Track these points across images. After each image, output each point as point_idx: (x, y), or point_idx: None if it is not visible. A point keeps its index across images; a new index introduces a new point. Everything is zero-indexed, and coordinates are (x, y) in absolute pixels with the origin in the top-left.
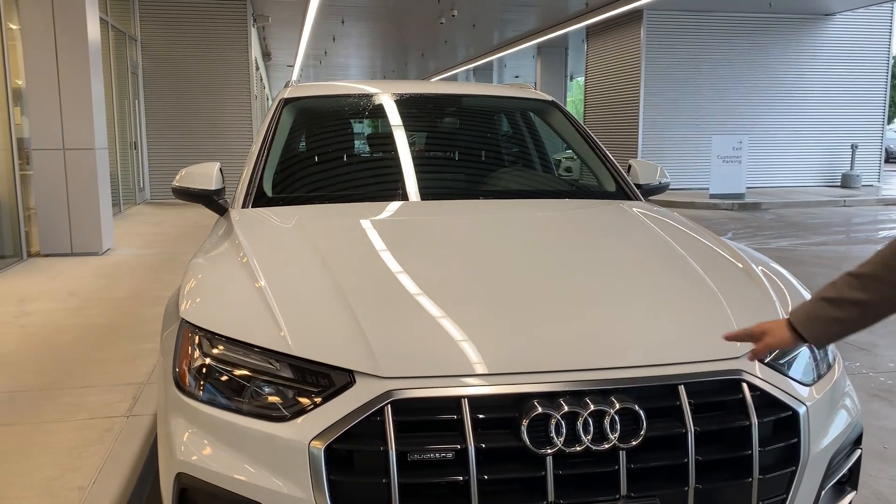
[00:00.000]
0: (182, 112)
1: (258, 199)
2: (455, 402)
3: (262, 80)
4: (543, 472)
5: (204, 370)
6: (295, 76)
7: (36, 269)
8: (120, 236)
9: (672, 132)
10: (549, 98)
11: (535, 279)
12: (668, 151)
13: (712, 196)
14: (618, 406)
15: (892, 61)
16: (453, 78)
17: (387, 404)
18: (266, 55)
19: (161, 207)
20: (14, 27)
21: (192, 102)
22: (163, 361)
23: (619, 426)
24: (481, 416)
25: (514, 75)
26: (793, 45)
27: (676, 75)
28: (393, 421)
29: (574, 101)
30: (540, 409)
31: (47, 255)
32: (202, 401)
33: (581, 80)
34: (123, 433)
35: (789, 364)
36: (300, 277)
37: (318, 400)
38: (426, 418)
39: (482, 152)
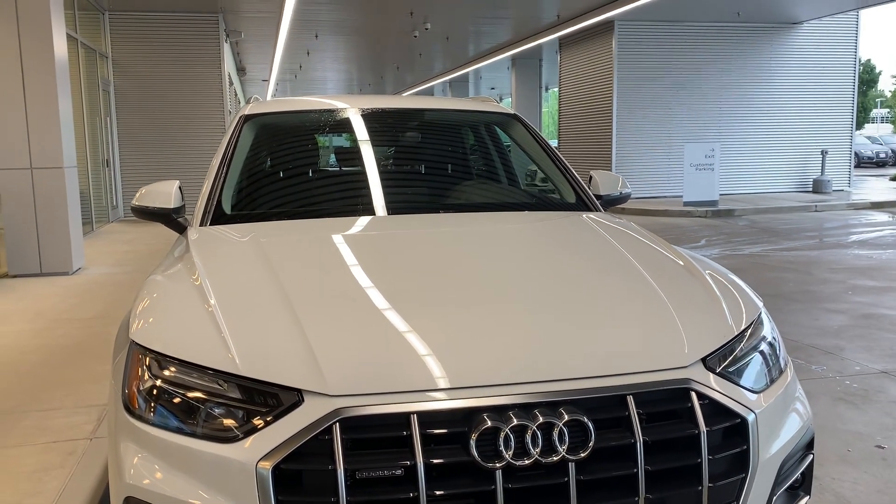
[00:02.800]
0: (155, 128)
1: (216, 217)
2: (404, 418)
3: (236, 95)
4: (493, 487)
5: (154, 392)
6: (270, 90)
7: (3, 291)
8: (91, 255)
9: (645, 141)
10: (511, 111)
11: (485, 292)
12: (641, 160)
13: (686, 203)
14: (566, 418)
15: (859, 68)
16: (429, 90)
17: (335, 422)
18: (241, 70)
19: (134, 225)
20: None
21: (165, 119)
22: (113, 384)
23: (567, 438)
24: (430, 431)
25: (489, 87)
26: (762, 53)
27: (648, 84)
28: (341, 439)
29: (549, 111)
30: (489, 423)
31: (15, 276)
32: (152, 423)
33: (556, 90)
34: (86, 456)
35: (740, 371)
36: (252, 296)
37: (267, 420)
38: (375, 435)
39: (445, 166)
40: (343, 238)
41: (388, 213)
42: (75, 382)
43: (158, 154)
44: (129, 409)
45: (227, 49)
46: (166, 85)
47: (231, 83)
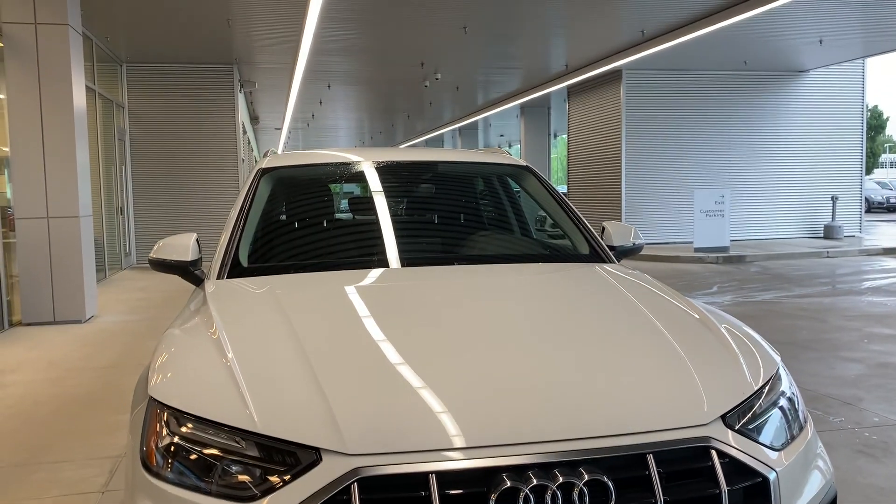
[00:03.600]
0: (169, 177)
1: (233, 269)
2: (423, 478)
3: (249, 143)
4: None
5: (171, 449)
6: (283, 138)
7: (17, 339)
8: (104, 303)
9: (655, 187)
10: (523, 163)
11: (504, 349)
12: (651, 206)
13: (697, 250)
14: (587, 477)
15: (867, 114)
16: (439, 138)
17: (353, 482)
18: (254, 119)
19: (147, 272)
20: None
21: (179, 167)
22: (131, 439)
23: (587, 498)
24: (449, 491)
25: (499, 134)
26: (770, 100)
27: (657, 132)
28: (360, 499)
29: (559, 158)
30: (508, 483)
31: (29, 325)
32: (169, 481)
33: (564, 137)
34: None
35: (759, 428)
36: (269, 351)
37: (285, 478)
38: (393, 495)
39: (458, 217)
40: (360, 291)
41: (403, 266)
42: (87, 433)
43: (172, 202)
44: (147, 466)
45: (241, 99)
46: (181, 134)
47: (244, 132)
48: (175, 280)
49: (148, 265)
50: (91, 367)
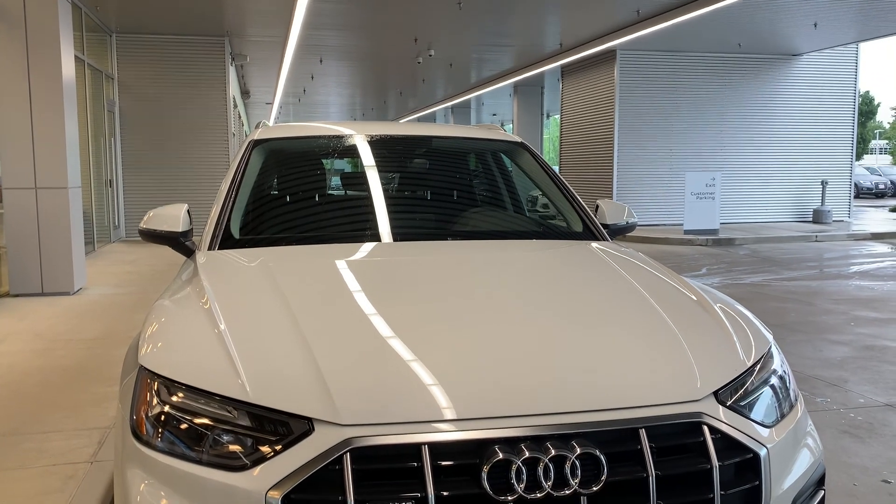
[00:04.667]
0: (159, 150)
1: (225, 241)
2: (415, 449)
3: (240, 117)
4: None
5: (162, 418)
6: (274, 113)
7: (4, 310)
8: (93, 275)
9: (646, 169)
10: (518, 139)
11: (497, 322)
12: (642, 188)
13: (686, 232)
14: (578, 451)
15: (858, 99)
16: (431, 115)
17: (345, 452)
18: (245, 93)
19: (136, 245)
20: None
21: (169, 140)
22: (121, 409)
23: (579, 471)
24: (441, 463)
25: (491, 113)
26: (763, 84)
27: (650, 113)
28: (352, 469)
29: (551, 138)
30: (501, 455)
31: (17, 296)
32: (159, 450)
33: (557, 117)
34: (87, 480)
35: (751, 405)
36: (262, 322)
37: (277, 448)
38: (386, 466)
39: (452, 193)
40: (353, 265)
41: (396, 240)
42: (76, 404)
43: (161, 175)
44: (137, 435)
45: (232, 72)
46: (171, 106)
47: (235, 106)
48: (164, 254)
49: (137, 238)
50: (79, 338)
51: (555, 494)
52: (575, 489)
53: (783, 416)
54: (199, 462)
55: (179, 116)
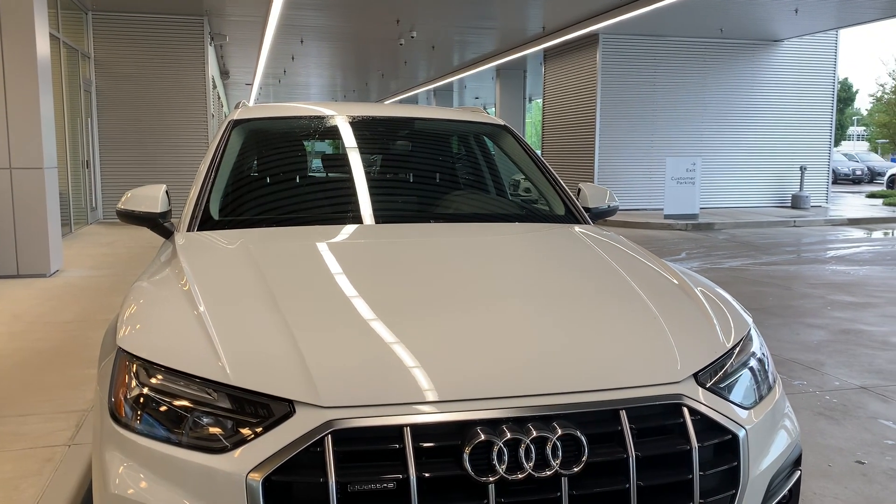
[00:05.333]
0: (137, 130)
1: (204, 222)
2: (397, 430)
3: (219, 98)
4: (486, 501)
5: (141, 400)
6: (254, 94)
7: None
8: (70, 257)
9: (628, 154)
10: (501, 122)
11: (479, 305)
12: (623, 173)
13: (667, 217)
14: (560, 432)
15: (837, 86)
16: (414, 98)
17: (327, 434)
18: (224, 73)
19: (114, 227)
20: None
21: (147, 121)
22: (99, 391)
23: (560, 452)
24: (423, 444)
25: (474, 96)
26: (744, 69)
27: (631, 98)
28: (333, 451)
29: (533, 122)
30: (483, 437)
31: None
32: (138, 432)
33: (540, 101)
34: (64, 463)
35: (730, 387)
36: (242, 304)
37: (257, 431)
38: (368, 448)
39: (434, 175)
40: (335, 247)
41: (377, 222)
42: (53, 387)
43: (139, 156)
44: (116, 418)
45: (211, 52)
46: (149, 87)
47: (214, 86)
48: (142, 236)
49: (114, 220)
50: (56, 321)
51: (536, 475)
52: (556, 470)
53: (762, 398)
54: (179, 444)
55: (158, 97)
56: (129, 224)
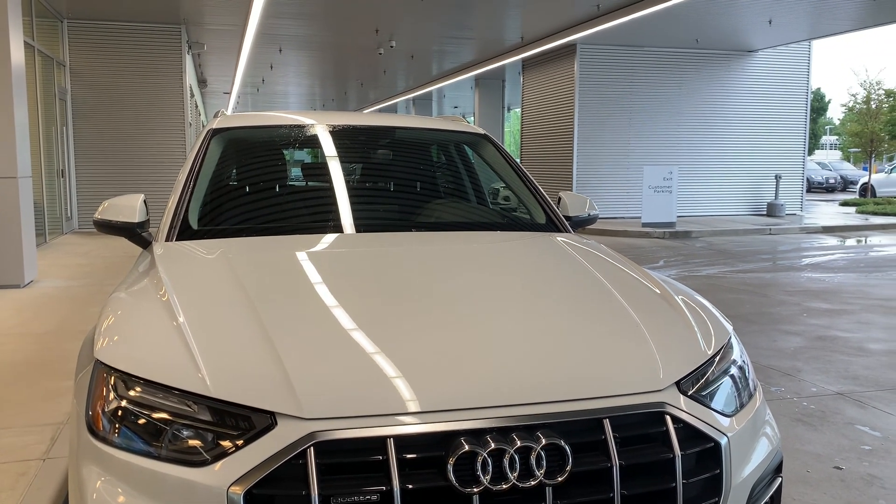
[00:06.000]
0: (113, 140)
1: (183, 232)
2: (380, 442)
3: (196, 107)
4: None
5: (119, 413)
6: (232, 103)
7: None
8: (44, 267)
9: (605, 162)
10: (482, 131)
11: (462, 315)
12: (601, 181)
13: (644, 225)
14: (544, 442)
15: (810, 96)
16: (393, 107)
17: (310, 446)
18: (202, 82)
19: (89, 237)
20: None
21: (123, 130)
22: (76, 404)
23: (545, 462)
24: (407, 455)
25: (453, 106)
26: (719, 79)
27: (609, 107)
28: (316, 464)
29: (511, 132)
30: (466, 447)
31: None
32: (116, 446)
33: (518, 111)
34: (39, 477)
35: (712, 395)
36: (222, 315)
37: (238, 443)
38: (351, 460)
39: (415, 184)
40: (315, 256)
41: (359, 232)
42: (27, 400)
43: (115, 165)
44: (93, 431)
45: (188, 61)
46: (125, 95)
47: (192, 95)
48: (118, 245)
49: (90, 230)
50: (30, 332)
51: (520, 486)
52: (540, 480)
53: (743, 405)
54: (158, 458)
55: (134, 105)
56: (106, 234)
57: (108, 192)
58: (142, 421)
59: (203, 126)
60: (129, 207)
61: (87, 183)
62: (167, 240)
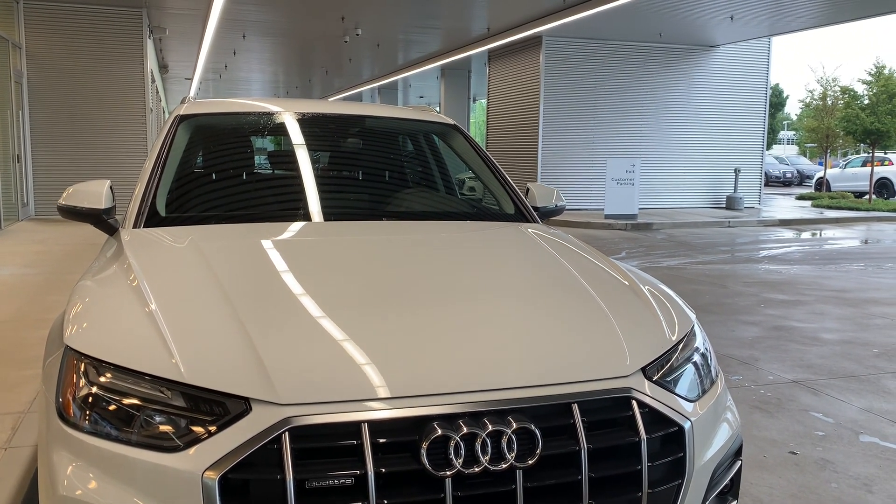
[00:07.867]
0: (72, 124)
1: (150, 218)
2: (354, 427)
3: (158, 92)
4: (443, 495)
5: (90, 399)
6: (193, 90)
7: None
8: (0, 255)
9: (570, 155)
10: (451, 121)
11: (433, 301)
12: (565, 173)
13: (607, 217)
14: (515, 426)
15: (769, 91)
16: (358, 96)
17: (284, 432)
18: (163, 67)
19: (47, 224)
20: None
21: (82, 114)
22: (44, 391)
23: (515, 446)
24: (381, 440)
25: (418, 95)
26: (681, 73)
27: (574, 100)
28: (290, 448)
29: (477, 123)
30: (439, 432)
31: None
32: (87, 432)
33: (484, 101)
34: (1, 467)
35: (676, 381)
36: (194, 301)
37: (212, 429)
38: (325, 444)
39: (384, 173)
40: (285, 244)
41: (328, 220)
42: None
43: (74, 151)
44: (64, 417)
45: (150, 45)
46: (84, 80)
47: (153, 80)
48: (76, 232)
49: (48, 217)
50: None
51: (491, 469)
52: (511, 463)
53: (705, 391)
54: (129, 443)
55: (93, 90)
56: (70, 220)
57: (66, 178)
58: (113, 407)
59: (165, 112)
60: (95, 193)
61: (45, 169)
62: (135, 226)
